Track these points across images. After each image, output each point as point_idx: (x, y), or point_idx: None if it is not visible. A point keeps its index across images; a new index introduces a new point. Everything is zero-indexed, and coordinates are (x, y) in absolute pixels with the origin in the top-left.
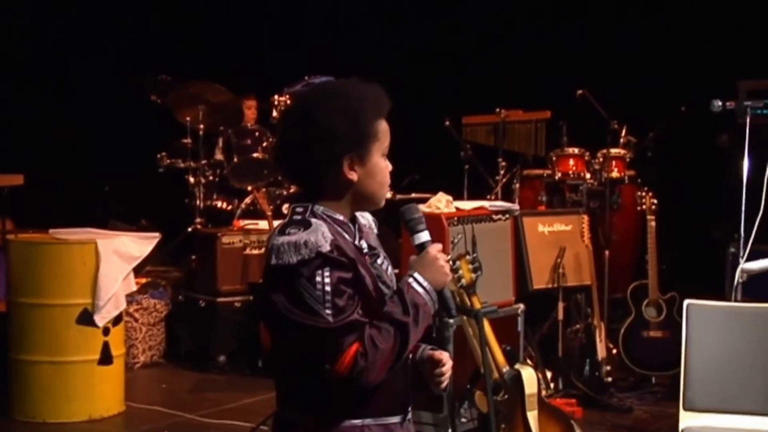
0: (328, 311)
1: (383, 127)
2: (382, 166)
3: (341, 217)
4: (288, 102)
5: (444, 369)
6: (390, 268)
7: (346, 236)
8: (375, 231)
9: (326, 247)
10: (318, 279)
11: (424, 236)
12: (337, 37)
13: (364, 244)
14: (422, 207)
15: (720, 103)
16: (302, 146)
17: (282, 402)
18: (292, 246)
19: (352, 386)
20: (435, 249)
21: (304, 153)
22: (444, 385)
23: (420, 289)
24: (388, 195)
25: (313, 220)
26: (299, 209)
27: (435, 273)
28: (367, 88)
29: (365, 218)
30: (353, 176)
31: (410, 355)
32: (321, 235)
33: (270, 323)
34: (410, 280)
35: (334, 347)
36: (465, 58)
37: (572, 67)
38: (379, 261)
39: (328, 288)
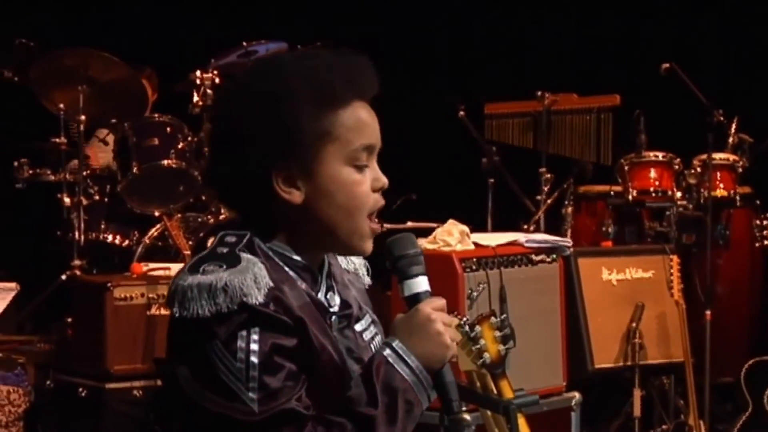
0: (251, 394)
1: (348, 118)
2: (347, 179)
3: (298, 258)
4: (216, 79)
5: None
6: (379, 337)
7: (300, 284)
8: (365, 281)
9: (257, 297)
10: (240, 344)
11: (419, 285)
12: None
13: (335, 300)
14: (423, 242)
15: None
16: (222, 147)
17: None
18: (204, 290)
19: None
20: (432, 305)
21: (224, 158)
22: None
23: (402, 367)
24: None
25: (246, 255)
26: (230, 238)
27: (428, 342)
28: (323, 60)
29: (350, 261)
30: (294, 197)
31: None
32: (251, 278)
33: (176, 407)
34: (387, 351)
35: None
36: (488, 15)
37: (652, 30)
38: (358, 327)
39: (254, 359)
